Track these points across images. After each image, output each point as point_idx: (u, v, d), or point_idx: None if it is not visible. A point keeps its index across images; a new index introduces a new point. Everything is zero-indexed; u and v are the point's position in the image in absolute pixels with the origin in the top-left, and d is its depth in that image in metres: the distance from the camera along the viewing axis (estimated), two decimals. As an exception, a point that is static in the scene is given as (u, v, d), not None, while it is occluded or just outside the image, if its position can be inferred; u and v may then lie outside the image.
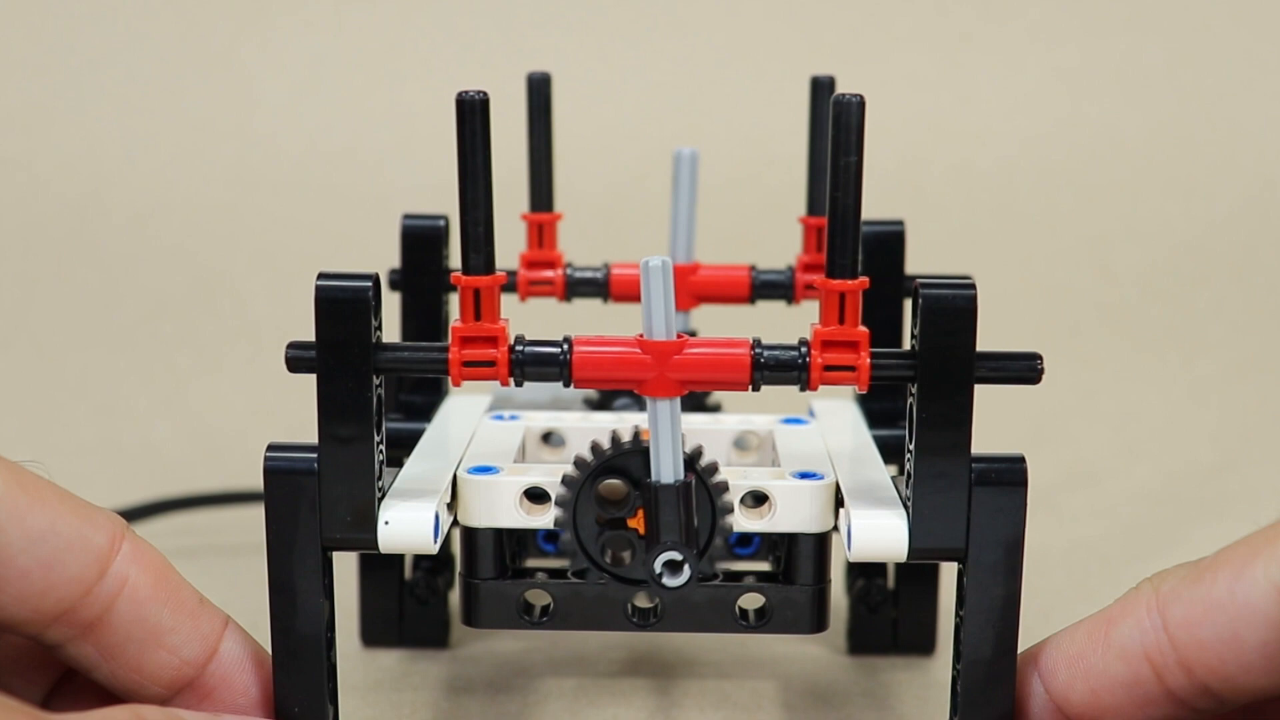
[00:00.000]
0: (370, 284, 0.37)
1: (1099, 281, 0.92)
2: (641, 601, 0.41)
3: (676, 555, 0.38)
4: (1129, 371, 0.87)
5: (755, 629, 0.41)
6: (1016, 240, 0.94)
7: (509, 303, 0.50)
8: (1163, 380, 0.86)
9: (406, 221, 0.49)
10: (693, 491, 0.38)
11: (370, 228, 0.76)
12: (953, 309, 0.36)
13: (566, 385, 0.38)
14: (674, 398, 0.38)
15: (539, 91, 0.49)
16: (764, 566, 0.43)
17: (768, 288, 0.49)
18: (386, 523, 0.38)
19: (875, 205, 0.95)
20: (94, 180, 0.90)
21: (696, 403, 0.50)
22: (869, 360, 0.37)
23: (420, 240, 0.49)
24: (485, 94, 0.37)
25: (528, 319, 0.59)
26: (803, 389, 0.38)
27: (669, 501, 0.38)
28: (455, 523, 0.41)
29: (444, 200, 0.66)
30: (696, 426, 0.46)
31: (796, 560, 0.40)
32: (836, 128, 0.36)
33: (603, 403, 0.49)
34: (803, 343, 0.38)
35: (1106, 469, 0.73)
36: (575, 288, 0.50)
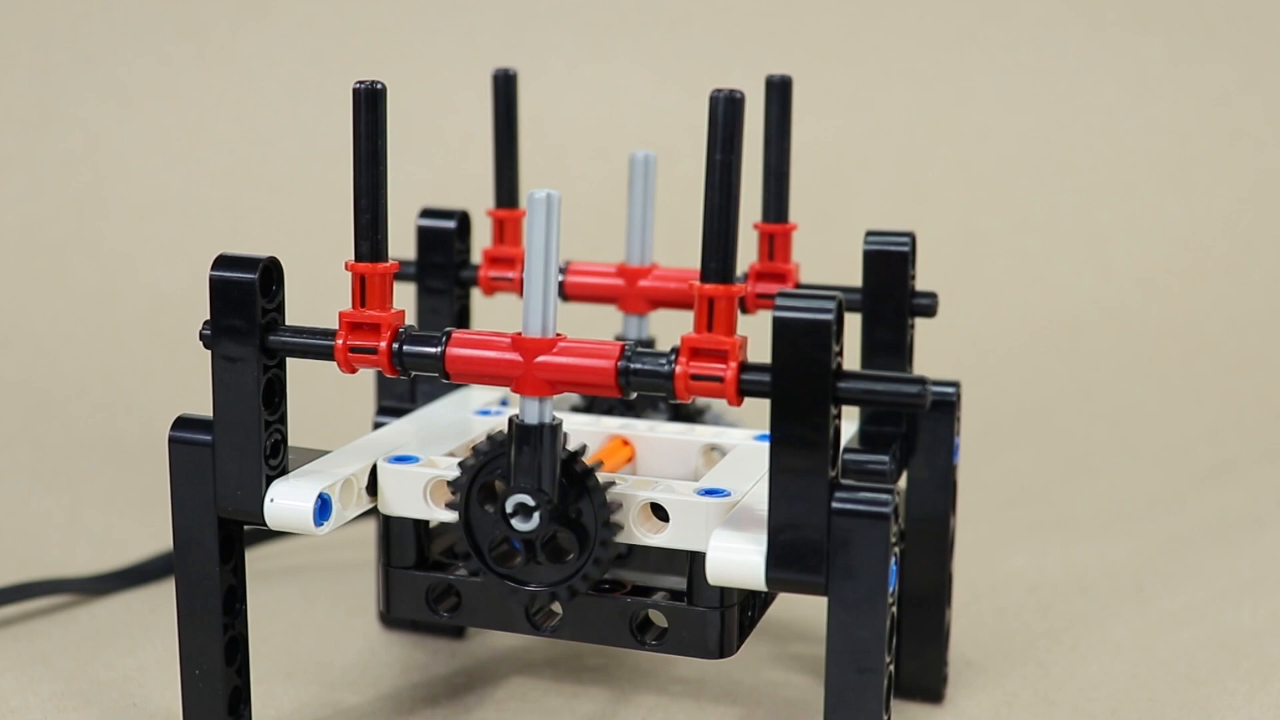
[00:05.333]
0: (256, 272, 0.38)
1: (1099, 281, 0.89)
2: (538, 606, 0.40)
3: (528, 499, 0.37)
4: (1129, 372, 0.84)
5: (652, 647, 0.40)
6: (1016, 240, 0.90)
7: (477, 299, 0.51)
8: (1163, 380, 0.84)
9: (422, 220, 0.50)
10: (556, 436, 0.37)
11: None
12: (807, 326, 0.34)
13: (444, 379, 0.38)
14: (545, 397, 0.37)
15: (503, 89, 0.49)
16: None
17: None
18: (272, 500, 0.39)
19: (875, 204, 0.91)
20: (94, 178, 0.92)
21: (682, 411, 0.48)
22: (738, 371, 0.35)
23: (436, 235, 0.50)
24: (380, 84, 0.38)
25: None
26: (671, 398, 0.36)
27: (526, 441, 0.37)
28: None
29: (442, 197, 0.66)
30: (669, 435, 0.45)
31: (698, 579, 0.39)
32: (711, 124, 0.35)
33: (589, 405, 0.49)
34: (674, 350, 0.36)
35: (1106, 468, 0.72)
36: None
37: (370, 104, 0.38)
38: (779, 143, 0.47)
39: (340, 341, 0.38)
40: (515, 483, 0.37)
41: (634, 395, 0.37)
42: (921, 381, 0.34)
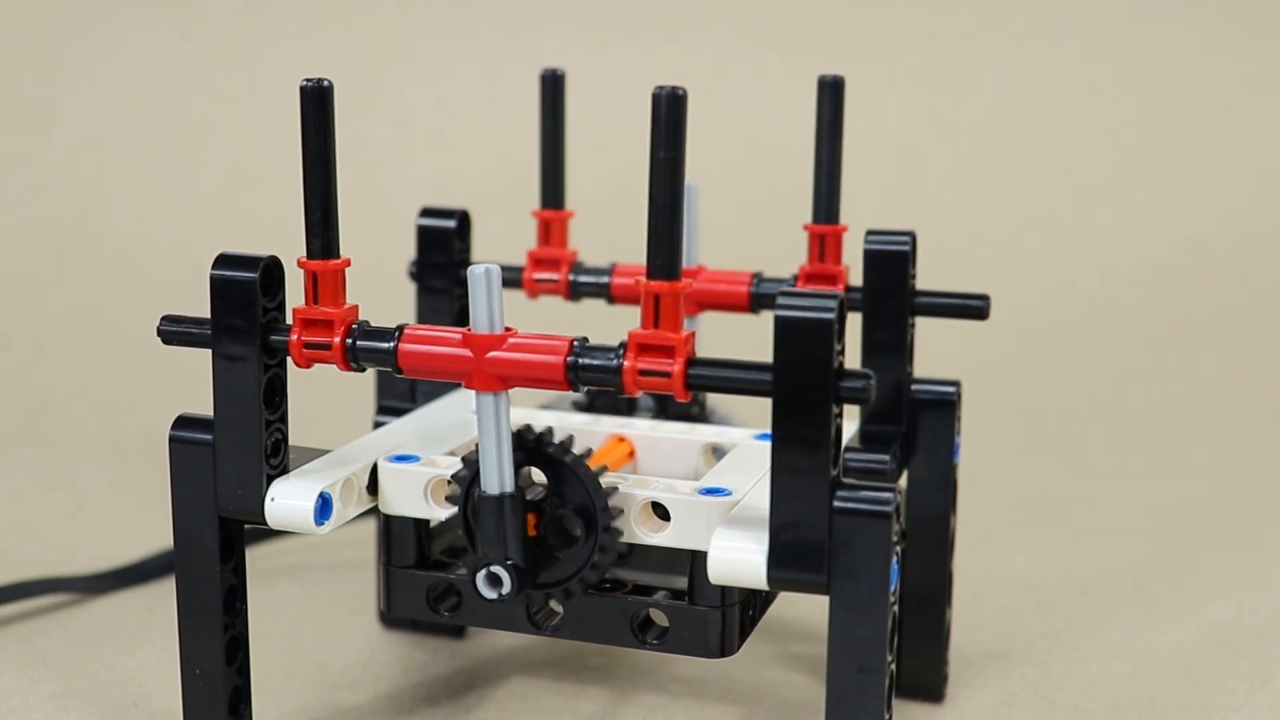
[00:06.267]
0: (257, 271, 0.38)
1: (1099, 281, 0.89)
2: (538, 605, 0.40)
3: (498, 570, 0.37)
4: (1129, 372, 0.84)
5: (653, 646, 0.40)
6: (1016, 240, 0.90)
7: (518, 301, 0.51)
8: (1163, 380, 0.84)
9: (422, 220, 0.50)
10: (517, 505, 0.37)
11: (370, 225, 0.77)
12: (809, 325, 0.34)
13: (398, 374, 0.38)
14: (499, 393, 0.37)
15: (551, 88, 0.49)
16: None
17: (769, 299, 0.47)
18: (273, 499, 0.39)
19: (875, 203, 0.91)
20: (94, 178, 0.92)
21: (680, 410, 0.48)
22: (685, 366, 0.35)
23: (436, 234, 0.50)
24: (327, 82, 0.38)
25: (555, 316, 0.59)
26: (619, 393, 0.36)
27: (490, 513, 0.37)
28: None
29: (442, 196, 0.66)
30: (669, 435, 0.45)
31: (699, 579, 0.39)
32: (654, 121, 0.35)
33: (591, 404, 0.49)
34: (622, 345, 0.36)
35: (1106, 468, 0.72)
36: (578, 289, 0.49)
37: (318, 103, 0.38)
38: (830, 143, 0.46)
39: (295, 338, 0.38)
40: (483, 554, 0.37)
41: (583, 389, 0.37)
42: (867, 375, 0.34)
